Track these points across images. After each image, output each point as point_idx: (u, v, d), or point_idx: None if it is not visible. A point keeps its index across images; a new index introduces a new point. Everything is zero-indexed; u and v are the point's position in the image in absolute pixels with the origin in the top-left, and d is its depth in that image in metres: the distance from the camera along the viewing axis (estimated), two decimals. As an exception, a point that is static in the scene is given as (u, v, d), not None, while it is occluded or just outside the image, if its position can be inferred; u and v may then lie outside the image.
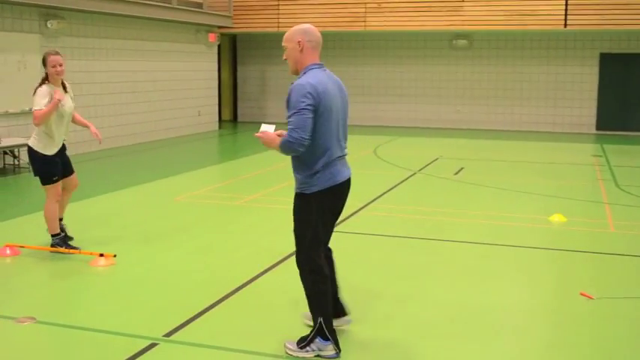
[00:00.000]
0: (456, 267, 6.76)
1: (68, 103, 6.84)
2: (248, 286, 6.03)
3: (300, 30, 4.65)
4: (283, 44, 4.67)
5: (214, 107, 20.54)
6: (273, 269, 6.50)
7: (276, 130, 4.65)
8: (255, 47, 22.97)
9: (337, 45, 22.02)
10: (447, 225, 8.46)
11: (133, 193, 10.36)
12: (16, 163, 12.47)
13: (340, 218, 8.39)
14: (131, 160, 14.24)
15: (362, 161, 14.03)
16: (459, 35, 20.63)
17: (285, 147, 4.43)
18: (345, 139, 4.74)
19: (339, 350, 4.57)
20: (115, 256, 6.68)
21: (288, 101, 4.47)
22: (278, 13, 20.67)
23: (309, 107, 4.36)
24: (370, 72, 21.84)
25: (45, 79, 6.79)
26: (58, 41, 13.97)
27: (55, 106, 6.53)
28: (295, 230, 4.62)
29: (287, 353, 4.59)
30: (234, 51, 23.50)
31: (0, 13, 12.55)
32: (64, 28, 14.00)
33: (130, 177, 11.86)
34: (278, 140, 4.48)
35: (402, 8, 19.69)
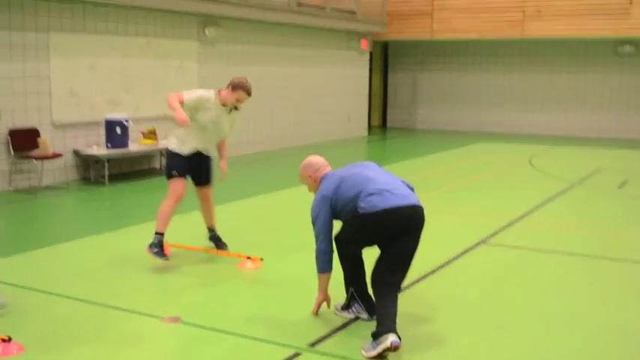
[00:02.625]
0: (627, 290, 6.15)
1: (221, 121, 6.63)
2: (400, 294, 5.73)
3: (305, 166, 5.28)
4: (302, 182, 5.37)
5: (364, 113, 20.43)
6: (423, 280, 6.18)
7: None
8: (407, 54, 22.69)
9: (492, 52, 21.32)
10: (616, 242, 7.78)
11: (283, 197, 10.36)
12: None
13: (494, 229, 7.98)
14: (282, 163, 14.34)
15: (517, 171, 13.40)
16: (624, 41, 19.36)
17: (319, 265, 5.07)
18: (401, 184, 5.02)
19: (372, 315, 5.01)
20: (262, 259, 6.61)
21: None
22: (432, 21, 20.28)
23: (326, 207, 4.97)
24: (527, 80, 20.97)
25: (219, 92, 6.60)
26: (215, 48, 14.32)
27: (178, 116, 6.26)
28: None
29: (335, 314, 5.27)
30: (385, 58, 23.34)
31: (162, 21, 13.01)
32: (221, 36, 14.33)
33: (280, 180, 11.90)
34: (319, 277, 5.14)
35: (563, 13, 18.73)
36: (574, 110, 20.50)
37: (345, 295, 5.30)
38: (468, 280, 6.27)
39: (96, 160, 11.42)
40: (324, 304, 5.29)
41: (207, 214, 7.03)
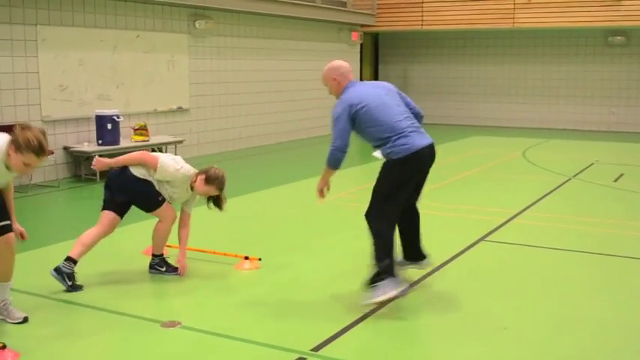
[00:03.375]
0: (627, 287, 6.08)
1: (179, 196, 6.13)
2: (396, 299, 5.64)
3: (332, 68, 5.55)
4: (324, 84, 5.66)
5: (355, 107, 20.28)
6: (425, 279, 6.09)
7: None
8: (397, 46, 22.57)
9: (483, 43, 21.24)
10: (614, 238, 7.72)
11: (277, 193, 10.24)
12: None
13: (493, 227, 7.93)
14: (275, 159, 14.23)
15: (511, 165, 13.33)
16: (615, 32, 19.32)
17: (330, 160, 5.34)
18: (412, 114, 5.49)
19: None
20: (260, 259, 6.50)
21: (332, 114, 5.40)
22: (422, 11, 20.17)
23: (346, 115, 5.28)
24: (518, 71, 20.90)
25: (196, 176, 6.04)
26: (205, 41, 14.16)
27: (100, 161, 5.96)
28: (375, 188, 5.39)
29: (366, 303, 5.27)
30: (375, 49, 23.22)
31: (151, 14, 12.83)
32: (212, 28, 14.17)
33: (273, 176, 11.78)
34: (324, 168, 5.42)
35: (554, 4, 18.65)
36: (565, 102, 20.46)
37: (372, 276, 5.32)
38: (469, 279, 6.18)
39: (87, 157, 11.26)
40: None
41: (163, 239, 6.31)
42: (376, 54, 23.27)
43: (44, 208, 9.42)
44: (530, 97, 20.87)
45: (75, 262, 5.82)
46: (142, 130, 11.98)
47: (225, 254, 6.68)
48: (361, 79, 20.91)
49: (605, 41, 19.67)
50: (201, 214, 8.12)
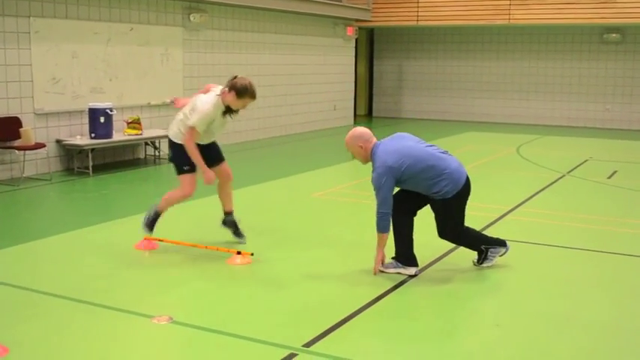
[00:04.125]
0: (623, 285, 6.07)
1: (222, 123, 6.57)
2: (392, 293, 5.63)
3: (356, 137, 5.91)
4: (348, 150, 6.01)
5: (350, 102, 20.27)
6: (418, 275, 6.06)
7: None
8: (392, 41, 22.53)
9: (478, 39, 21.22)
10: (608, 235, 7.71)
11: (270, 188, 10.21)
12: (157, 154, 12.65)
13: (487, 222, 7.91)
14: (266, 154, 14.19)
15: (505, 161, 13.32)
16: (610, 29, 19.32)
17: (379, 226, 5.78)
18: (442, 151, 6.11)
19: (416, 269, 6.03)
20: (252, 254, 6.46)
21: (373, 181, 5.79)
22: (417, 6, 20.13)
23: (388, 178, 5.67)
24: (513, 67, 20.89)
25: (220, 95, 6.36)
26: (199, 34, 14.10)
27: (206, 177, 6.39)
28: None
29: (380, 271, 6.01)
30: (371, 45, 23.17)
31: (146, 7, 12.76)
32: (206, 22, 14.10)
33: (266, 171, 11.75)
34: (378, 239, 5.91)
35: (550, 0, 18.63)
36: (560, 99, 20.46)
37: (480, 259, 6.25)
38: (463, 276, 6.16)
39: (79, 151, 11.20)
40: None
41: (227, 195, 6.90)
42: (371, 49, 23.22)
43: (36, 202, 9.37)
44: (524, 93, 20.87)
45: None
46: (135, 123, 11.92)
47: (217, 249, 6.64)
48: (356, 74, 20.89)
49: (601, 38, 19.66)
50: (193, 208, 8.10)
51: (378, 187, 5.67)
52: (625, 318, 5.26)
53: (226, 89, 6.34)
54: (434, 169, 5.75)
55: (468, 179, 6.00)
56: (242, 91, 6.28)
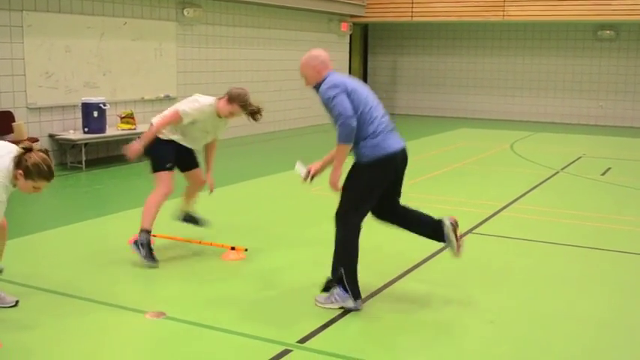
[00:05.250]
0: (617, 281, 6.08)
1: (212, 128, 6.33)
2: (384, 291, 5.61)
3: (312, 57, 5.29)
4: (302, 73, 5.31)
5: (344, 98, 20.19)
6: (411, 272, 6.06)
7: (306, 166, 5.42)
8: (387, 37, 22.50)
9: (472, 35, 21.20)
10: (602, 231, 7.72)
11: (265, 183, 10.18)
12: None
13: (481, 219, 7.90)
14: (262, 149, 14.16)
15: (498, 157, 13.32)
16: (604, 26, 19.33)
17: (342, 136, 4.91)
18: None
19: (359, 301, 5.10)
20: (246, 250, 6.44)
21: (325, 106, 5.05)
22: (412, 3, 20.09)
23: (340, 91, 4.94)
24: (507, 64, 20.88)
25: (218, 101, 6.18)
26: (193, 29, 14.05)
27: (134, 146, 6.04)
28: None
29: (316, 305, 5.17)
30: (365, 40, 23.13)
31: (139, 1, 12.70)
32: (200, 17, 14.05)
33: (261, 166, 11.72)
34: (336, 149, 5.04)
35: (544, -4, 18.65)
36: (554, 96, 20.47)
37: (330, 277, 5.17)
38: (456, 272, 6.15)
39: (72, 145, 11.15)
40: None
41: (192, 198, 6.69)
42: (365, 45, 23.18)
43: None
44: (518, 89, 20.87)
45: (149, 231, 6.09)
46: (128, 118, 11.88)
47: (211, 244, 6.62)
48: (350, 71, 20.85)
49: (595, 35, 19.68)
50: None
51: (332, 97, 4.94)
52: (619, 314, 5.26)
53: (221, 98, 6.22)
54: (371, 119, 5.05)
55: (402, 152, 5.22)
56: (234, 96, 6.13)
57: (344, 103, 4.89)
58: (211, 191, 6.54)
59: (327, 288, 5.23)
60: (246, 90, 6.23)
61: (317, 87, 5.18)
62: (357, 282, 5.09)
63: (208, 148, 6.55)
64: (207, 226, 6.79)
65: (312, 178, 5.48)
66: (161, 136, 6.16)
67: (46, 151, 4.80)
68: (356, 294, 5.08)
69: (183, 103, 6.19)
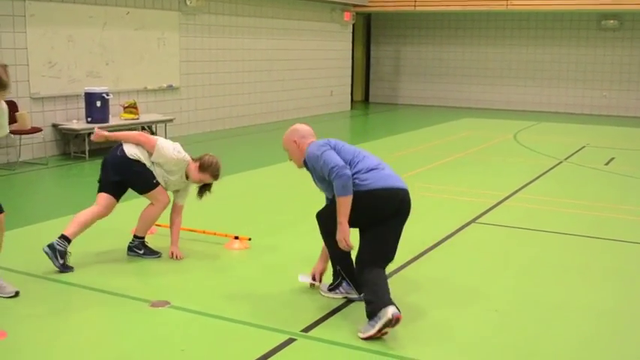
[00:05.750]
0: (620, 271, 6.07)
1: (174, 183, 6.06)
2: (390, 278, 5.60)
3: (292, 131, 5.16)
4: (285, 149, 5.19)
5: (347, 87, 20.21)
6: (415, 262, 6.06)
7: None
8: (389, 27, 22.44)
9: (475, 25, 21.14)
10: (605, 221, 7.71)
11: (267, 173, 10.18)
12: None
13: (484, 209, 7.90)
14: (264, 139, 14.14)
15: (502, 147, 13.30)
16: (608, 15, 19.26)
17: (339, 188, 4.66)
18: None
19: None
20: (249, 239, 6.45)
21: (314, 169, 4.89)
22: (415, -8, 20.06)
23: (328, 148, 4.83)
24: (511, 53, 20.83)
25: (189, 163, 5.96)
26: (196, 19, 14.02)
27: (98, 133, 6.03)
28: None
29: (321, 294, 5.19)
30: (368, 30, 23.08)
31: (142, -11, 12.68)
32: (202, 6, 14.02)
33: (263, 156, 11.71)
34: (338, 203, 4.71)
35: (548, -14, 18.58)
36: (557, 85, 20.43)
37: (333, 275, 5.18)
38: (460, 262, 6.16)
39: (76, 135, 11.15)
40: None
41: (174, 226, 6.23)
42: (368, 34, 23.12)
43: (33, 186, 9.33)
44: (522, 79, 20.82)
45: (69, 240, 5.73)
46: (131, 108, 11.87)
47: (215, 234, 6.63)
48: (353, 60, 20.80)
49: (598, 25, 19.61)
50: (191, 193, 8.03)
51: (320, 156, 4.77)
52: (622, 304, 5.27)
53: (192, 160, 6.01)
54: (360, 161, 4.86)
55: (401, 191, 4.85)
56: (205, 166, 5.92)
57: (333, 157, 4.72)
58: (178, 258, 6.10)
59: (335, 275, 5.16)
60: (219, 160, 6.02)
61: (305, 164, 5.01)
62: (354, 273, 4.98)
63: (173, 214, 6.21)
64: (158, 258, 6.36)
65: (320, 278, 5.35)
66: (136, 159, 5.92)
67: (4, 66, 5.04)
68: (357, 286, 5.03)
69: (164, 140, 6.03)
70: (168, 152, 5.91)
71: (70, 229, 5.78)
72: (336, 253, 4.99)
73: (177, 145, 6.07)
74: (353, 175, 4.72)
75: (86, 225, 5.89)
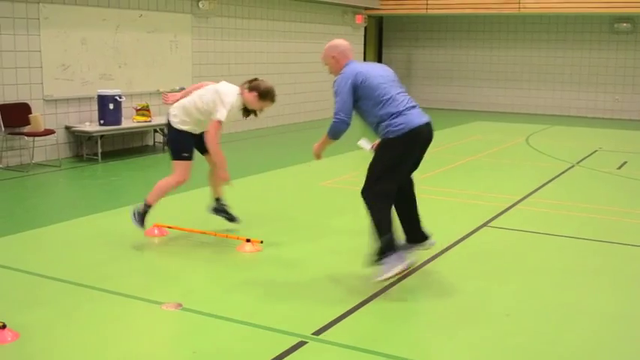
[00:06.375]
0: (633, 275, 6.05)
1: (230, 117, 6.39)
2: (398, 283, 5.62)
3: (331, 47, 5.61)
4: (324, 62, 5.69)
5: (358, 90, 20.17)
6: (426, 265, 6.06)
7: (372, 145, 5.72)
8: (401, 29, 22.43)
9: (487, 28, 21.10)
10: (618, 226, 7.68)
11: (280, 176, 10.20)
12: (166, 141, 12.63)
13: (496, 213, 7.88)
14: (277, 142, 14.17)
15: (514, 151, 13.27)
16: (621, 18, 19.18)
17: (331, 129, 5.40)
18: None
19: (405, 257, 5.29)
20: (261, 242, 6.47)
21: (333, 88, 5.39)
22: (427, -5, 20.05)
23: (348, 86, 5.29)
24: (523, 57, 20.76)
25: (242, 92, 6.34)
26: (208, 22, 14.07)
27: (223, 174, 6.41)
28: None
29: (376, 281, 5.29)
30: (379, 33, 23.08)
31: (155, -7, 12.74)
32: (215, 9, 14.06)
33: (276, 159, 11.73)
34: (324, 135, 5.46)
35: (560, -11, 18.52)
36: (569, 89, 20.35)
37: (376, 253, 5.27)
38: (472, 265, 6.15)
39: (88, 137, 11.21)
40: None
41: (218, 182, 6.76)
42: (380, 37, 23.13)
43: (45, 188, 9.38)
44: (534, 82, 20.76)
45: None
46: (144, 110, 11.92)
47: (227, 236, 6.65)
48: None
49: (611, 28, 19.52)
50: (202, 196, 8.08)
51: (338, 90, 5.34)
52: (632, 308, 5.25)
53: (246, 89, 6.30)
54: (389, 100, 5.32)
55: (427, 126, 5.42)
56: (265, 93, 6.31)
57: (343, 99, 5.27)
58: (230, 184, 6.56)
59: (378, 258, 5.28)
60: (272, 85, 6.45)
61: None
62: (395, 246, 5.23)
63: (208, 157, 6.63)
64: (238, 223, 6.86)
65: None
66: (176, 126, 6.35)
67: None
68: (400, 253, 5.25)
69: (217, 104, 6.19)
70: (228, 114, 6.22)
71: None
72: (385, 217, 5.28)
73: (220, 90, 6.32)
74: (382, 120, 5.25)
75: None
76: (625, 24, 19.16)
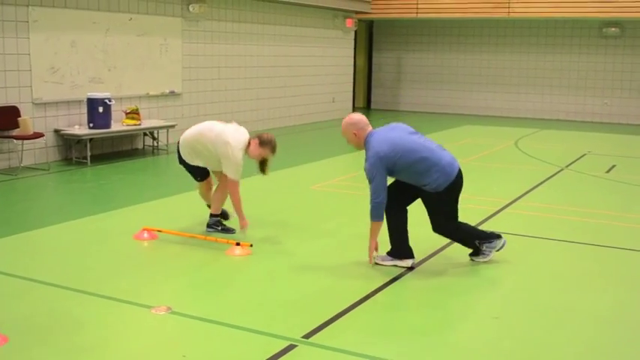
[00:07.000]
0: (622, 279, 6.07)
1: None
2: (391, 285, 5.63)
3: (350, 124, 5.94)
4: (343, 136, 6.02)
5: (349, 94, 20.24)
6: (417, 267, 6.06)
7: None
8: (392, 33, 22.49)
9: (477, 32, 21.18)
10: (607, 229, 7.71)
11: (269, 180, 10.15)
12: (155, 144, 12.62)
13: (485, 216, 7.91)
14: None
15: (503, 154, 13.31)
16: (610, 23, 19.29)
17: (373, 214, 5.79)
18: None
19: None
20: (251, 245, 6.46)
21: (365, 170, 5.81)
22: (417, -1, 20.12)
23: (382, 169, 5.68)
24: (512, 61, 20.86)
25: (249, 143, 6.81)
26: (198, 25, 14.06)
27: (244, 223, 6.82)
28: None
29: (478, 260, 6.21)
30: (370, 37, 23.13)
31: (145, -4, 12.72)
32: (205, 12, 14.05)
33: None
34: (371, 225, 5.90)
35: (549, -7, 18.61)
36: (558, 93, 20.45)
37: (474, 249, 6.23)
38: (461, 269, 6.16)
39: (77, 140, 11.18)
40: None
41: (223, 197, 7.12)
42: (370, 41, 23.17)
43: (34, 191, 9.34)
44: (523, 86, 20.85)
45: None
46: (133, 113, 11.90)
47: (216, 240, 6.64)
48: (355, 67, 20.84)
49: (600, 32, 19.64)
50: (191, 199, 8.08)
51: (371, 177, 5.70)
52: (623, 311, 5.27)
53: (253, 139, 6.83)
54: (426, 160, 5.75)
55: (460, 172, 6.00)
56: (265, 141, 6.78)
57: (380, 185, 5.69)
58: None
59: (475, 253, 6.24)
60: (274, 136, 6.95)
61: (364, 147, 5.89)
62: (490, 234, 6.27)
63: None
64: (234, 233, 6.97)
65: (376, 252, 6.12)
66: (188, 161, 6.94)
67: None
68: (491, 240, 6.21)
69: (229, 159, 6.66)
70: (240, 167, 6.87)
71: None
72: (467, 236, 6.26)
73: (229, 140, 6.77)
74: (429, 180, 5.78)
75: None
76: (614, 28, 19.27)
